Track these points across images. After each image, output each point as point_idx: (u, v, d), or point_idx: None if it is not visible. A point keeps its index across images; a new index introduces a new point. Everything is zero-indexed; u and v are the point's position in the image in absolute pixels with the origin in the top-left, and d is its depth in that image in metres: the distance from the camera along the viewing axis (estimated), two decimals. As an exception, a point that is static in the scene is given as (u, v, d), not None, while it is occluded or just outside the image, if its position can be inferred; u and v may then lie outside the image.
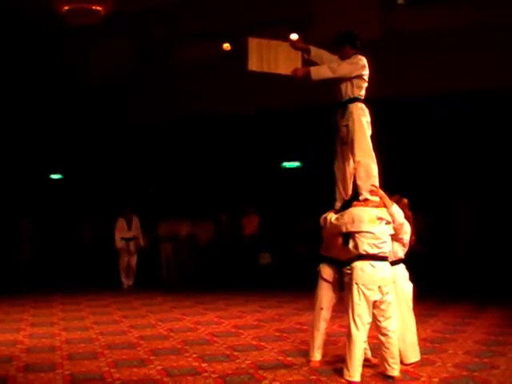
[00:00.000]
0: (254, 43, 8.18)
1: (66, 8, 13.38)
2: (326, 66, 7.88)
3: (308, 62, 8.14)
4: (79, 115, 19.40)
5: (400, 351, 7.72)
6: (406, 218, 7.91)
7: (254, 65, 8.16)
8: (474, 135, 16.32)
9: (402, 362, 7.75)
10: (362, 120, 7.82)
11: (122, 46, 17.55)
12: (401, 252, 8.06)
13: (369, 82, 8.01)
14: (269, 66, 8.21)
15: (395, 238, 7.81)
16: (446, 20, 14.96)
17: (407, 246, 8.09)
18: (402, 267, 8.12)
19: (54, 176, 22.16)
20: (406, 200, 8.23)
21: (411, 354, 8.00)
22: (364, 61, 7.92)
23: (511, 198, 16.34)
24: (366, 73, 7.93)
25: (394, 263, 7.83)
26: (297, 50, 8.24)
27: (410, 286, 8.14)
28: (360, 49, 8.07)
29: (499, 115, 15.92)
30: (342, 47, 8.10)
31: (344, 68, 7.85)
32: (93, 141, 20.35)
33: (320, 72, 7.87)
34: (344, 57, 8.00)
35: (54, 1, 13.46)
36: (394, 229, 7.68)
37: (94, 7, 13.46)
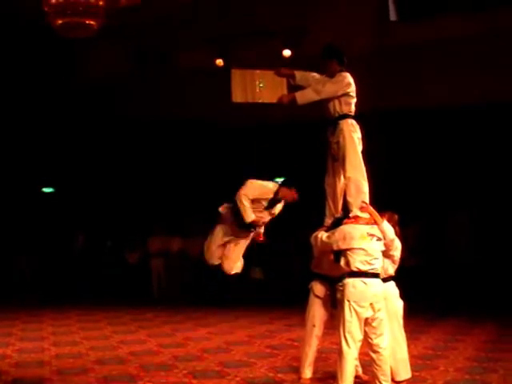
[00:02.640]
0: (236, 75, 8.17)
1: (60, 22, 13.36)
2: (311, 89, 7.89)
3: (294, 87, 8.13)
4: (72, 124, 19.39)
5: (391, 368, 7.69)
6: (396, 234, 7.91)
7: (237, 97, 8.16)
8: (470, 145, 16.30)
9: (393, 380, 7.71)
10: (352, 136, 7.83)
11: (117, 54, 17.54)
12: (391, 269, 8.04)
13: (361, 95, 8.02)
14: (253, 96, 8.19)
15: (386, 254, 7.79)
16: (441, 33, 15.01)
17: (397, 263, 8.08)
18: (392, 284, 8.10)
19: (46, 189, 22.05)
20: (396, 216, 8.23)
21: (402, 371, 7.96)
22: (348, 78, 7.93)
23: (506, 209, 16.31)
24: (352, 89, 7.94)
25: (384, 280, 7.81)
26: (282, 78, 8.24)
27: (400, 304, 8.12)
28: (346, 65, 8.09)
29: (494, 127, 15.93)
30: (330, 62, 8.11)
31: (329, 88, 7.87)
32: (85, 153, 20.25)
33: (305, 96, 7.88)
34: (330, 72, 8.01)
35: (48, 15, 13.45)
36: (385, 245, 7.66)
37: (87, 21, 13.45)
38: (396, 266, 8.11)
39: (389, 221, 7.93)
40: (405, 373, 8.00)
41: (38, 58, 17.61)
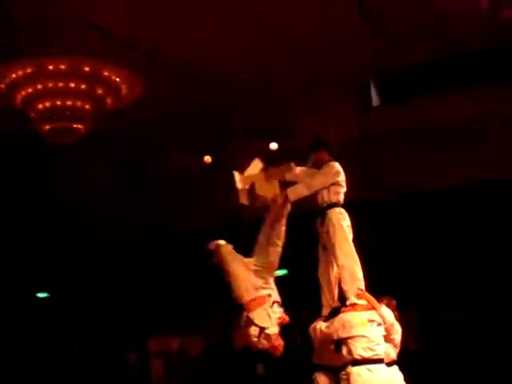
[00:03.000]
0: (238, 177, 8.17)
1: (47, 127, 13.58)
2: (302, 185, 7.97)
3: (286, 183, 8.20)
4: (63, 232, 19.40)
5: None
6: (396, 318, 7.89)
7: (245, 200, 8.15)
8: (465, 226, 16.30)
9: None
10: (342, 224, 7.87)
11: (105, 162, 17.66)
12: (393, 353, 7.98)
13: (350, 183, 8.11)
14: (253, 199, 8.17)
15: (387, 338, 7.75)
16: (426, 116, 15.22)
17: (399, 347, 8.03)
18: (395, 369, 8.01)
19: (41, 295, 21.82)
20: (394, 302, 8.23)
21: None
22: (337, 167, 8.05)
23: (502, 291, 16.24)
24: (341, 178, 8.04)
25: (387, 365, 7.74)
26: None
27: None
28: (334, 155, 8.21)
29: (488, 208, 15.98)
30: (319, 153, 8.25)
31: (318, 180, 7.97)
32: (80, 257, 20.18)
33: (297, 192, 7.95)
34: (319, 162, 8.13)
35: (35, 121, 13.67)
36: (386, 329, 7.63)
37: (74, 125, 13.65)
38: (397, 350, 8.05)
39: (388, 306, 7.93)
40: None
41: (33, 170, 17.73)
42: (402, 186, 16.16)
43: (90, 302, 19.97)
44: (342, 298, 7.83)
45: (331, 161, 8.14)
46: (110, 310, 19.68)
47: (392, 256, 16.40)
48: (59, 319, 19.94)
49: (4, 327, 18.99)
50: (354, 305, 7.56)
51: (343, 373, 7.37)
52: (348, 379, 7.31)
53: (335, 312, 7.75)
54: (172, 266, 19.12)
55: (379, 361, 7.36)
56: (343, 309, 7.62)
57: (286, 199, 7.91)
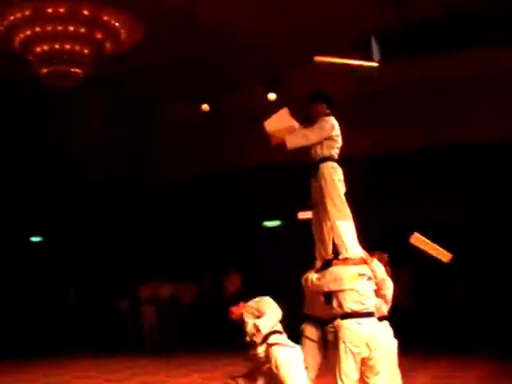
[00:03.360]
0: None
1: (45, 71, 13.46)
2: (301, 134, 7.96)
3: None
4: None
5: None
6: (388, 273, 7.95)
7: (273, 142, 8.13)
8: (462, 183, 16.30)
9: None
10: (334, 178, 7.86)
11: (100, 107, 17.53)
12: (384, 308, 8.04)
13: (347, 139, 8.10)
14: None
15: (378, 294, 7.80)
16: (425, 72, 15.12)
17: (390, 303, 8.09)
18: (386, 324, 8.09)
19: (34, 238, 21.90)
20: (386, 256, 8.25)
21: None
22: (332, 121, 8.01)
23: (500, 251, 16.30)
24: (336, 133, 8.00)
25: (378, 320, 7.84)
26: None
27: (394, 343, 8.10)
28: (333, 110, 8.18)
29: (495, 168, 15.95)
30: (318, 105, 8.21)
31: (316, 133, 7.93)
32: (74, 200, 20.20)
33: (295, 141, 7.93)
34: (317, 114, 8.11)
35: (33, 64, 13.55)
36: (377, 284, 7.67)
37: (72, 69, 13.54)
38: (389, 306, 8.11)
39: (379, 260, 7.96)
40: None
41: (30, 112, 17.60)
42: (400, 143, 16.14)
43: (83, 247, 20.08)
44: (336, 252, 7.87)
45: (328, 115, 8.13)
46: (102, 256, 19.78)
47: (390, 212, 16.47)
48: (53, 263, 20.10)
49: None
50: (345, 259, 7.61)
51: (330, 326, 7.40)
52: (336, 332, 7.40)
53: (327, 264, 7.79)
54: (164, 213, 19.23)
55: (369, 315, 7.43)
56: (335, 262, 7.65)
57: (284, 145, 7.91)
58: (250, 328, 7.29)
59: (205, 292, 18.83)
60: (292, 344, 6.45)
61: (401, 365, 8.11)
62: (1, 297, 18.83)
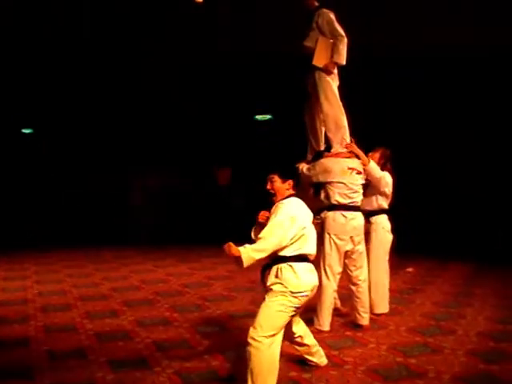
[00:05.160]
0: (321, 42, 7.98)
1: None
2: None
3: None
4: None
5: (371, 300, 7.86)
6: (389, 170, 8.09)
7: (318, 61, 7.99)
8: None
9: (371, 312, 7.88)
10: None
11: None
12: (385, 204, 8.18)
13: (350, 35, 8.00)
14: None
15: (378, 191, 7.93)
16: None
17: (390, 198, 8.19)
18: (384, 217, 8.21)
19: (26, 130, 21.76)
20: (388, 152, 8.28)
21: (381, 304, 8.13)
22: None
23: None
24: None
25: (377, 213, 8.00)
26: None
27: (390, 238, 8.24)
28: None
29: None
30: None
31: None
32: (65, 91, 19.86)
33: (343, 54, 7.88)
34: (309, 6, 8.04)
35: None
36: (374, 184, 7.78)
37: None
38: (389, 201, 8.24)
39: (381, 157, 8.04)
40: (384, 306, 8.17)
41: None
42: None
43: (73, 139, 19.93)
44: (328, 145, 7.89)
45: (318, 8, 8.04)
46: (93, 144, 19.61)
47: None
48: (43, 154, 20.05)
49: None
50: (337, 153, 7.64)
51: (318, 217, 7.50)
52: (323, 223, 7.50)
53: (318, 156, 7.83)
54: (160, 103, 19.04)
55: (355, 208, 7.53)
56: (326, 154, 7.70)
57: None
58: None
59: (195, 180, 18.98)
60: None
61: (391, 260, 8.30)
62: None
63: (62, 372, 6.03)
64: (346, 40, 7.79)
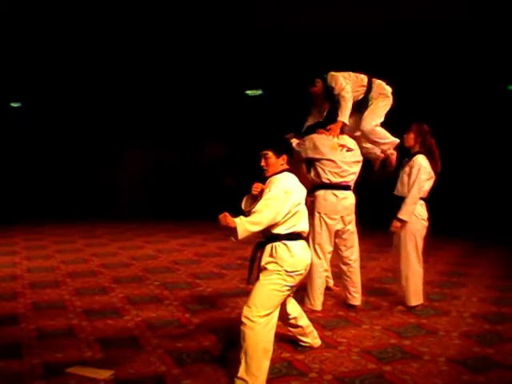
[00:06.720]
0: None
1: None
2: None
3: None
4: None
5: (404, 292, 7.55)
6: (433, 147, 7.45)
7: None
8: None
9: (405, 303, 7.55)
10: None
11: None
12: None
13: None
14: None
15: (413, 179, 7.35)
16: None
17: (430, 184, 7.49)
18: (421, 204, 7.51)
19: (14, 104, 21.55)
20: (426, 126, 7.51)
21: (415, 297, 7.57)
22: None
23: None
24: None
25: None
26: None
27: (423, 225, 7.52)
28: None
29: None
30: None
31: None
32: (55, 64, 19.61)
33: None
34: None
35: None
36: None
37: None
38: (427, 187, 7.47)
39: (417, 135, 7.42)
40: (417, 298, 7.61)
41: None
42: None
43: (61, 112, 19.74)
44: (318, 122, 7.76)
45: None
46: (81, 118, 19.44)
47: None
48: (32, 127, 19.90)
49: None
50: (329, 129, 7.44)
51: (311, 194, 7.33)
52: (314, 202, 7.38)
53: (309, 131, 7.67)
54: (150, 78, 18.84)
55: (346, 187, 7.40)
56: (318, 130, 7.54)
57: None
58: None
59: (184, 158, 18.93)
60: None
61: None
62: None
63: (51, 350, 5.94)
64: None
